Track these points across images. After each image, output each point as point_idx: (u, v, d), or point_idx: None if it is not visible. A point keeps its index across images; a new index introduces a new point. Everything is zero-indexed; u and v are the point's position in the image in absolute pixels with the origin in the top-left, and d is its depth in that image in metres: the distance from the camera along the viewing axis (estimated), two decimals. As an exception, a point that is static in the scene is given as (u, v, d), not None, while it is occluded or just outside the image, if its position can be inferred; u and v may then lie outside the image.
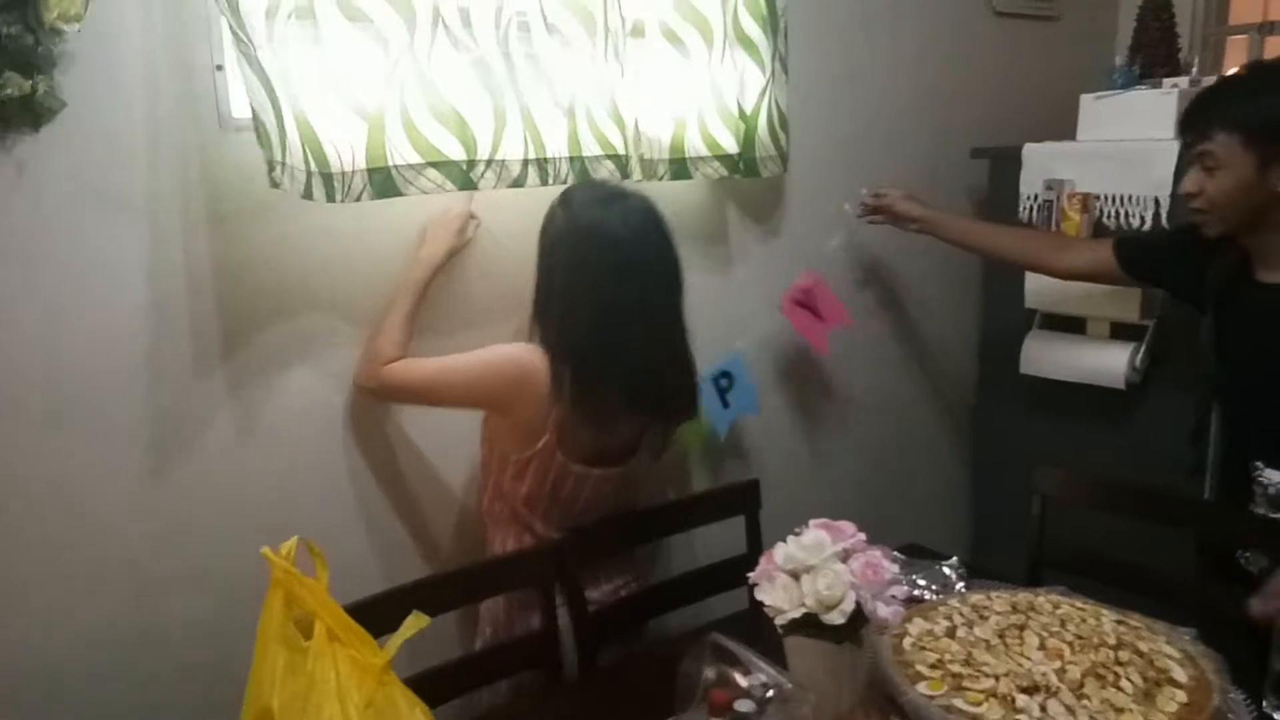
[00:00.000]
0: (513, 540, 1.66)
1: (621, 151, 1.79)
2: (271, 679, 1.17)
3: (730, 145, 1.99)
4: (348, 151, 1.49)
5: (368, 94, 1.50)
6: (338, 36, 1.48)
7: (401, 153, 1.54)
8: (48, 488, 1.42)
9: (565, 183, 1.73)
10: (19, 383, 1.38)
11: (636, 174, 1.81)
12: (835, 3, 2.20)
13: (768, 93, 2.01)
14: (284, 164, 1.42)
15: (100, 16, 1.33)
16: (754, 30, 1.97)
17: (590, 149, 1.75)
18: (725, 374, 2.06)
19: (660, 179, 1.90)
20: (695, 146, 1.94)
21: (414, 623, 1.26)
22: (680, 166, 1.93)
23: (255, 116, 1.40)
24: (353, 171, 1.49)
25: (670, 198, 1.84)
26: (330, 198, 1.46)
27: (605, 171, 1.78)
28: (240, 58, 1.38)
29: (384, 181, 1.53)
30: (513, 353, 1.58)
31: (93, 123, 1.37)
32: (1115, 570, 1.76)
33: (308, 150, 1.44)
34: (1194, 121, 1.61)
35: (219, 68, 1.47)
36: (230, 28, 1.37)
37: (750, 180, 2.06)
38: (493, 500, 1.67)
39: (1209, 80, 1.96)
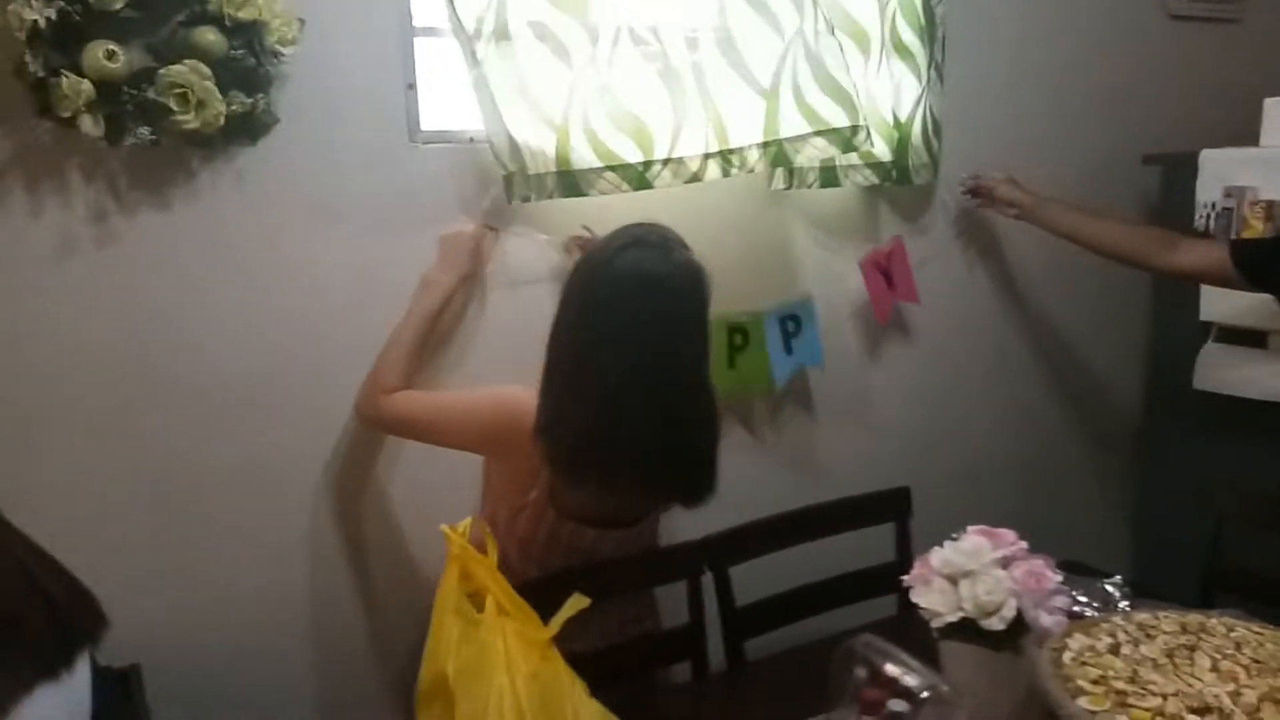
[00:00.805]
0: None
1: (840, 124, 1.73)
2: (448, 647, 1.26)
3: (884, 153, 1.99)
4: (541, 157, 1.60)
5: (555, 105, 1.60)
6: (528, 52, 1.58)
7: (583, 157, 1.63)
8: (244, 469, 1.58)
9: (752, 172, 1.75)
10: (228, 372, 1.53)
11: (864, 145, 1.79)
12: (999, 10, 2.17)
13: (923, 101, 2.00)
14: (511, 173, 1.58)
15: (310, 41, 1.46)
16: (911, 39, 1.97)
17: (794, 128, 1.72)
18: (793, 317, 1.95)
19: (810, 186, 1.93)
20: (847, 154, 1.94)
21: (575, 603, 1.33)
22: (830, 174, 1.94)
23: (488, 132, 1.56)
24: (545, 174, 1.60)
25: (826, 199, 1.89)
26: (525, 197, 1.61)
27: (814, 151, 1.75)
28: (474, 79, 1.53)
29: (569, 184, 1.62)
30: (509, 394, 1.45)
31: (302, 136, 1.51)
32: None
33: (505, 160, 1.58)
34: None
35: (410, 86, 1.60)
36: (464, 51, 1.52)
37: (903, 188, 2.06)
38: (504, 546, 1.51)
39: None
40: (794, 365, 1.95)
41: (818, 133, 1.73)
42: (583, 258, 1.45)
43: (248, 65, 1.39)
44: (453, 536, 1.30)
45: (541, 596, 1.33)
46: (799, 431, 2.09)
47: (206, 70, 1.35)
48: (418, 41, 1.61)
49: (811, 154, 1.76)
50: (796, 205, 2.00)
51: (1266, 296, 1.88)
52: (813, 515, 1.80)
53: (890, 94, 1.97)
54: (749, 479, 1.96)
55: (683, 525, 1.69)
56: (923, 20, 1.97)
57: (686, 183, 1.70)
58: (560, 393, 1.38)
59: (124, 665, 1.38)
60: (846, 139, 1.75)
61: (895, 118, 1.98)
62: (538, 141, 1.59)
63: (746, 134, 1.72)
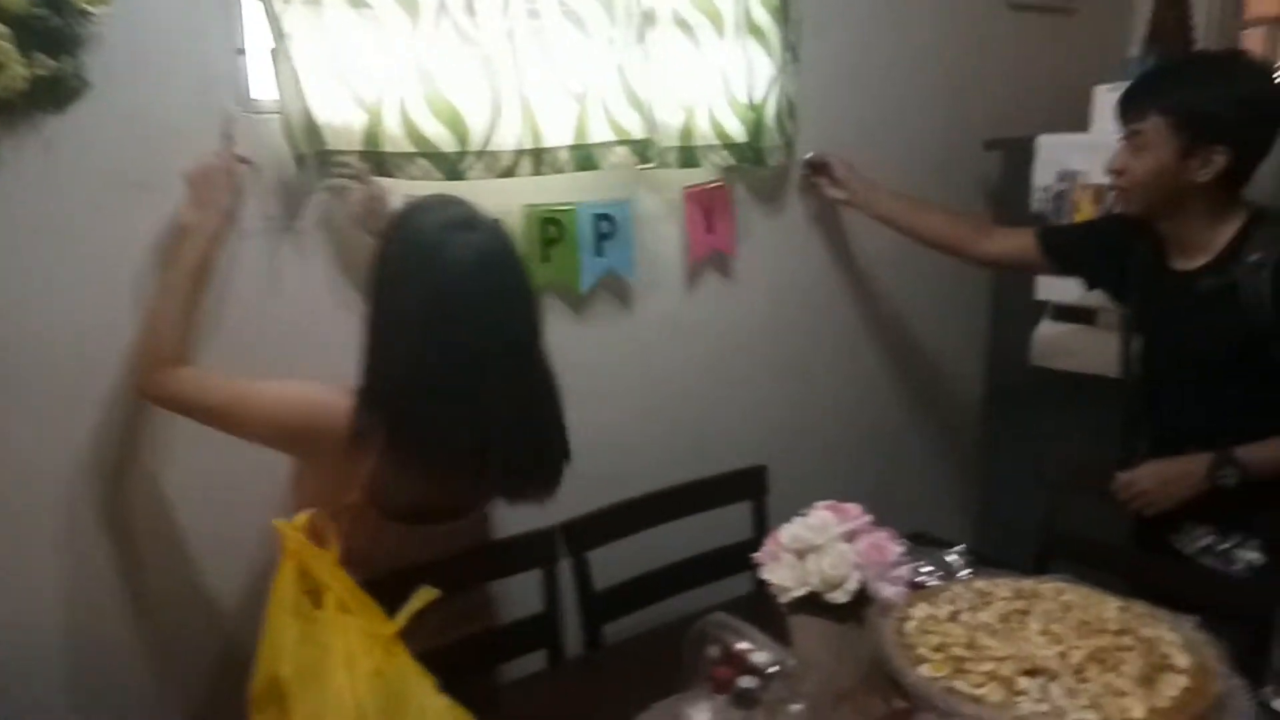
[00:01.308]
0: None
1: (638, 136, 1.80)
2: (283, 648, 1.20)
3: (739, 134, 2.00)
4: (345, 135, 1.54)
5: (369, 83, 1.54)
6: (343, 23, 1.52)
7: (394, 141, 1.58)
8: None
9: (562, 172, 1.75)
10: (34, 356, 1.40)
11: (655, 159, 1.83)
12: (850, -4, 2.20)
13: (777, 82, 2.02)
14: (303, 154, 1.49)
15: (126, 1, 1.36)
16: (764, 20, 1.98)
17: (602, 134, 1.76)
18: (607, 217, 1.88)
19: (670, 166, 1.93)
20: (704, 134, 1.96)
21: (423, 595, 1.29)
22: (689, 154, 1.95)
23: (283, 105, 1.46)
24: (348, 152, 1.54)
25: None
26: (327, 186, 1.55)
27: (617, 158, 1.78)
28: (277, 49, 1.43)
29: (379, 164, 1.58)
30: (314, 393, 1.34)
31: (117, 103, 1.39)
32: (1121, 558, 1.77)
33: (304, 136, 1.50)
34: (1133, 100, 1.64)
35: (240, 51, 1.50)
36: (269, 16, 1.42)
37: (760, 169, 2.07)
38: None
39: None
40: (604, 267, 1.91)
41: (620, 141, 1.79)
42: (394, 238, 1.33)
43: (53, 25, 1.27)
44: (288, 531, 1.24)
45: (388, 591, 1.28)
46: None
47: (4, 29, 1.23)
48: (248, 3, 1.51)
49: (614, 160, 1.80)
50: (653, 183, 1.99)
51: None
52: (671, 496, 1.80)
53: (744, 74, 1.98)
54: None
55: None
56: (776, 1, 1.98)
57: (498, 177, 1.69)
58: (395, 381, 1.30)
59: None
60: (642, 150, 1.81)
61: (750, 99, 1.99)
62: (343, 119, 1.53)
63: (558, 134, 1.73)
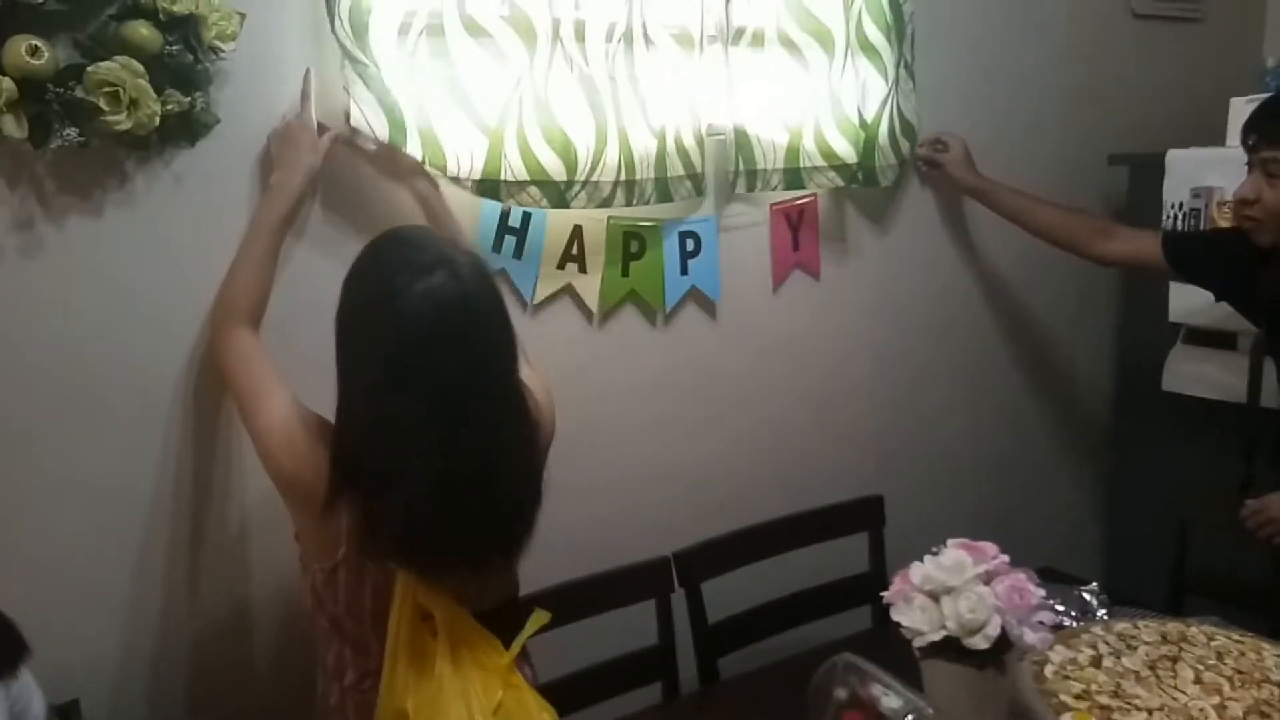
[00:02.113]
0: (350, 659, 1.30)
1: (699, 170, 1.78)
2: (404, 682, 1.19)
3: (848, 154, 1.96)
4: (467, 161, 1.54)
5: (489, 110, 1.55)
6: (464, 53, 1.53)
7: (514, 169, 1.58)
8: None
9: (649, 203, 1.73)
10: (159, 378, 1.43)
11: (713, 193, 1.83)
12: (966, 8, 2.14)
13: (890, 101, 1.98)
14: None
15: (252, 38, 1.38)
16: (877, 37, 1.94)
17: (674, 169, 1.75)
18: (693, 234, 1.84)
19: (774, 189, 1.90)
20: (811, 155, 1.92)
21: (536, 619, 1.27)
22: (794, 176, 1.91)
23: (391, 129, 1.46)
24: (467, 179, 1.55)
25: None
26: None
27: (684, 191, 1.77)
28: (356, 78, 1.43)
29: (491, 189, 1.58)
30: (301, 442, 1.22)
31: (245, 138, 1.42)
32: (1263, 596, 1.70)
33: (427, 160, 1.50)
34: (1261, 125, 1.56)
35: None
36: (345, 48, 1.42)
37: (865, 194, 2.03)
38: (315, 612, 1.31)
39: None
40: (688, 285, 1.86)
41: (687, 175, 1.77)
42: (352, 285, 1.21)
43: (184, 62, 1.30)
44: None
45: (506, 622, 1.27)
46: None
47: (139, 67, 1.26)
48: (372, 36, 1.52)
49: (684, 193, 1.78)
50: (753, 224, 1.95)
51: None
52: (785, 526, 1.77)
53: (856, 93, 1.94)
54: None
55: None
56: (889, 18, 1.95)
57: (599, 207, 1.68)
58: (357, 437, 1.18)
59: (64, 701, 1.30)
60: (698, 185, 1.79)
61: (861, 118, 1.95)
62: (464, 146, 1.53)
63: (643, 165, 1.71)
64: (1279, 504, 1.63)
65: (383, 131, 1.46)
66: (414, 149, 1.49)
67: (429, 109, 1.50)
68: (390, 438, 1.15)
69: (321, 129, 1.45)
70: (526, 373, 1.35)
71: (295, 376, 1.28)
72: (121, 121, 1.26)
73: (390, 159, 1.52)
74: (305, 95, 1.43)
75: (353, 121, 1.46)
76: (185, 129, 1.35)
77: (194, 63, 1.31)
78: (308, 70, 1.44)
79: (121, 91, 1.25)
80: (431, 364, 1.14)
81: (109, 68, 1.24)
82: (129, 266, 1.38)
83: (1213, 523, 1.75)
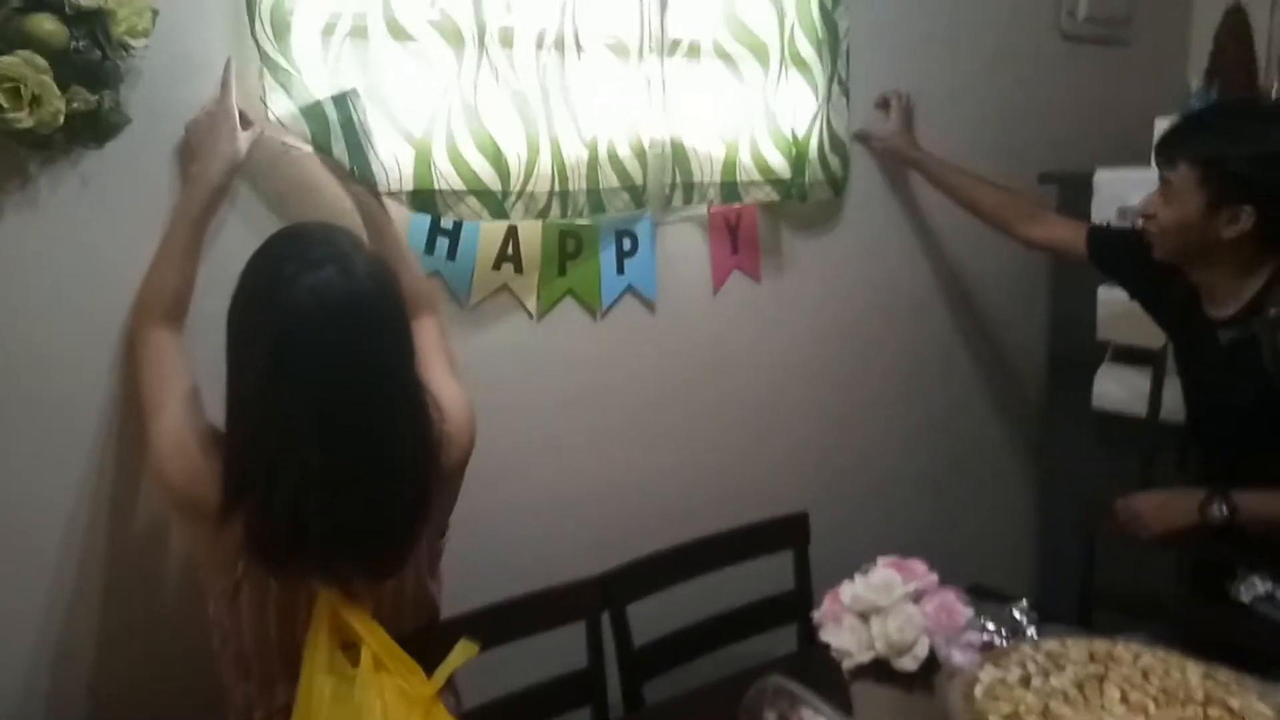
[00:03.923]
0: (255, 696, 1.24)
1: (639, 182, 1.77)
2: (319, 708, 1.14)
3: (783, 169, 1.96)
4: (395, 170, 1.49)
5: (416, 117, 1.51)
6: (389, 59, 1.48)
7: (447, 178, 1.54)
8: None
9: (582, 215, 1.71)
10: (70, 390, 1.36)
11: (659, 203, 1.81)
12: (899, 26, 2.17)
13: (820, 116, 1.98)
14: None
15: (165, 35, 1.32)
16: (809, 52, 1.95)
17: (608, 180, 1.73)
18: (630, 234, 1.82)
19: (710, 202, 1.89)
20: (747, 169, 1.91)
21: (463, 650, 1.23)
22: (730, 190, 1.90)
23: (312, 140, 1.40)
24: (399, 192, 1.50)
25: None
26: None
27: (620, 203, 1.75)
28: (275, 85, 1.38)
29: (426, 202, 1.54)
30: (197, 457, 1.17)
31: (158, 140, 1.36)
32: (1169, 608, 1.74)
33: (354, 169, 1.45)
34: (1164, 147, 1.61)
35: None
36: (264, 53, 1.36)
37: (804, 206, 2.03)
38: (220, 647, 1.26)
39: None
40: (624, 285, 1.84)
41: (624, 187, 1.76)
42: (243, 276, 1.19)
43: (91, 59, 1.23)
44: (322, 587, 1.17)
45: (424, 647, 1.22)
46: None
47: (42, 63, 1.18)
48: (294, 37, 1.46)
49: (619, 205, 1.76)
50: (692, 225, 1.94)
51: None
52: (710, 545, 1.75)
53: (789, 107, 1.94)
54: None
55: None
56: (820, 34, 1.95)
57: (536, 218, 1.65)
58: (241, 440, 1.15)
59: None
60: (638, 197, 1.77)
61: (793, 134, 1.95)
62: (390, 156, 1.49)
63: (576, 176, 1.68)
64: (1143, 501, 1.68)
65: (306, 138, 1.41)
66: (340, 158, 1.43)
67: (353, 118, 1.43)
68: (271, 434, 1.13)
69: (244, 119, 1.38)
70: (447, 385, 1.33)
71: (214, 376, 1.21)
72: (23, 119, 1.19)
73: (324, 163, 1.47)
74: (225, 84, 1.36)
75: (280, 137, 1.41)
76: (93, 129, 1.28)
77: (102, 59, 1.24)
78: (229, 59, 1.37)
79: (23, 88, 1.18)
80: (311, 361, 1.11)
81: (9, 62, 1.17)
82: (34, 271, 1.30)
83: (1108, 530, 1.79)
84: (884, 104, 2.13)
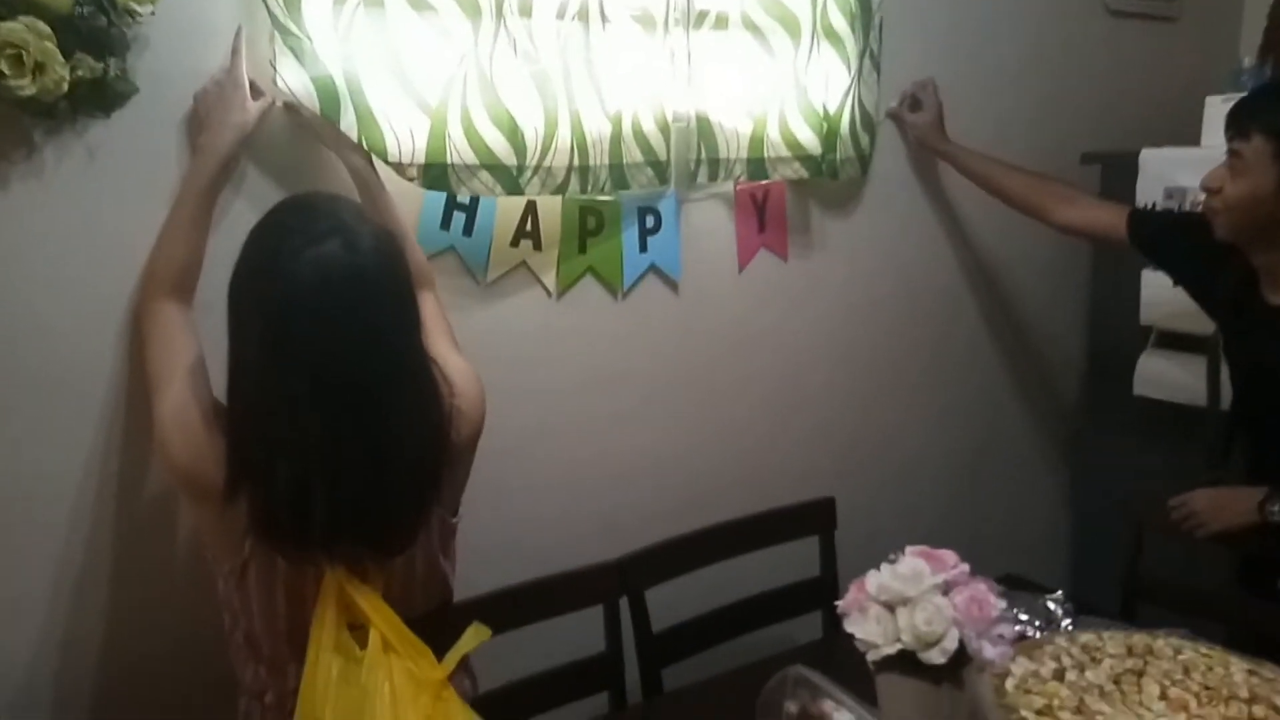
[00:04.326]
0: (266, 678, 1.23)
1: (663, 158, 1.72)
2: (325, 689, 1.11)
3: (813, 145, 1.90)
4: (408, 142, 1.45)
5: (431, 88, 1.47)
6: (405, 28, 1.45)
7: (460, 152, 1.50)
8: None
9: (603, 191, 1.66)
10: (76, 364, 1.34)
11: (684, 179, 1.76)
12: (937, 1, 2.09)
13: (852, 92, 1.92)
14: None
15: (174, 3, 1.29)
16: (841, 25, 1.89)
17: (631, 155, 1.68)
18: (652, 210, 1.77)
19: (737, 179, 1.85)
20: (775, 145, 1.86)
21: (475, 634, 1.21)
22: (758, 166, 1.85)
23: (323, 107, 1.37)
24: (410, 164, 1.46)
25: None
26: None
27: (644, 179, 1.71)
28: (285, 50, 1.35)
29: (439, 177, 1.49)
30: (200, 431, 1.15)
31: (167, 109, 1.33)
32: (1216, 603, 1.69)
33: (364, 140, 1.41)
34: (1237, 118, 1.54)
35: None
36: (275, 18, 1.33)
37: (831, 185, 1.98)
38: (231, 628, 1.25)
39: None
40: (647, 264, 1.80)
41: (648, 162, 1.71)
42: (245, 249, 1.15)
43: (96, 25, 1.21)
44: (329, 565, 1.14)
45: (437, 630, 1.19)
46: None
47: (45, 29, 1.16)
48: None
49: (643, 181, 1.71)
50: (717, 203, 1.89)
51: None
52: (733, 530, 1.71)
53: (821, 82, 1.88)
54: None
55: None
56: (855, 7, 1.89)
57: (553, 193, 1.61)
58: (242, 415, 1.13)
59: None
60: (661, 173, 1.73)
61: (825, 109, 1.89)
62: (404, 126, 1.45)
63: (598, 151, 1.64)
64: (1201, 498, 1.64)
65: (315, 108, 1.37)
66: (349, 129, 1.40)
67: (366, 87, 1.41)
68: (272, 410, 1.10)
69: (255, 89, 1.35)
70: (453, 358, 1.30)
71: (222, 355, 1.18)
72: (25, 87, 1.16)
73: (326, 133, 1.43)
74: (236, 51, 1.33)
75: (282, 100, 1.38)
76: (99, 97, 1.25)
77: (108, 26, 1.22)
78: (239, 27, 1.34)
79: (25, 55, 1.15)
80: (313, 335, 1.08)
81: (11, 28, 1.14)
82: (40, 243, 1.28)
83: (1159, 526, 1.73)
84: (915, 103, 2.06)
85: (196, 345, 1.25)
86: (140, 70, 1.29)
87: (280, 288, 1.09)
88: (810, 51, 1.85)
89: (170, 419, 1.17)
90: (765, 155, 1.85)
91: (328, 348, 1.09)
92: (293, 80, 1.36)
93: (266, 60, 1.36)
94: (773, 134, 1.85)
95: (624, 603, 1.54)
